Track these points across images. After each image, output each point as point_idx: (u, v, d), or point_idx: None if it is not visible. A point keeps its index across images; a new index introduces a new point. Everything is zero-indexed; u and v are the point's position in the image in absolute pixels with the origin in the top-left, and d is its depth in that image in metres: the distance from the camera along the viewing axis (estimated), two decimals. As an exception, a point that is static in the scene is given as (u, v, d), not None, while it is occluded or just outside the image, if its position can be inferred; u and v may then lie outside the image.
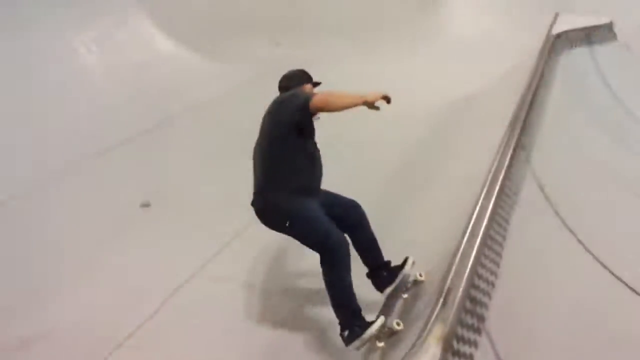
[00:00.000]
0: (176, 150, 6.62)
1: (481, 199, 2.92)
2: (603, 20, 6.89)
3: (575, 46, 6.50)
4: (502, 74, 7.29)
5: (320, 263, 3.09)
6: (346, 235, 3.17)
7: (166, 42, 9.19)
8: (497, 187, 3.07)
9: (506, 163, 3.43)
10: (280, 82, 3.80)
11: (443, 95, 8.25)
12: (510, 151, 3.61)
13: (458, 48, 10.75)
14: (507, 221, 3.11)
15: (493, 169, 3.26)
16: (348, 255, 3.06)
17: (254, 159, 3.51)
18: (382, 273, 3.25)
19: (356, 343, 2.87)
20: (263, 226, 3.38)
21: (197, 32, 10.03)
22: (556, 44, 6.08)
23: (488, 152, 3.69)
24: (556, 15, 6.93)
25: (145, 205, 5.38)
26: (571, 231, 3.61)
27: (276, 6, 11.62)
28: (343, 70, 9.98)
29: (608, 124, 6.13)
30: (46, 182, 5.58)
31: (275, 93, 3.74)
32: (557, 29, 6.39)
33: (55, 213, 5.16)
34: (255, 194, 3.38)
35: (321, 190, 3.42)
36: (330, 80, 8.80)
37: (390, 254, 3.35)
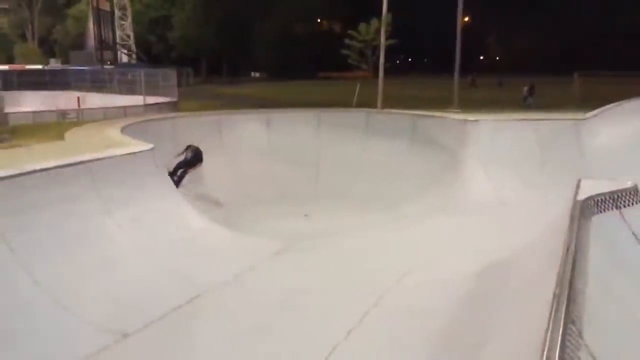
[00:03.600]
0: (207, 329, 6.49)
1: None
2: (628, 184, 6.97)
3: (604, 210, 6.51)
4: (531, 242, 7.27)
5: None
6: None
7: (198, 219, 9.52)
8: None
9: (558, 341, 3.22)
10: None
11: (474, 260, 8.24)
12: (561, 327, 3.40)
13: (482, 214, 11.00)
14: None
15: (545, 352, 3.04)
16: None
17: None
18: None
19: None
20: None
21: (227, 207, 10.47)
22: (585, 209, 6.10)
23: (536, 329, 3.49)
24: (579, 182, 7.06)
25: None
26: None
27: (304, 182, 12.27)
28: (371, 238, 10.20)
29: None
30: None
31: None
32: (582, 195, 6.45)
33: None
34: None
35: None
36: (362, 247, 8.90)
37: None
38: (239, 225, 10.26)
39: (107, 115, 17.97)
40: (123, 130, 11.68)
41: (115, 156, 8.69)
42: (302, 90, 40.82)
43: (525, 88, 27.15)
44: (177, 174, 11.54)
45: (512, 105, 21.65)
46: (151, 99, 24.01)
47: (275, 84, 54.81)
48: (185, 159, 11.90)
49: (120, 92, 28.86)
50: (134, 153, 9.14)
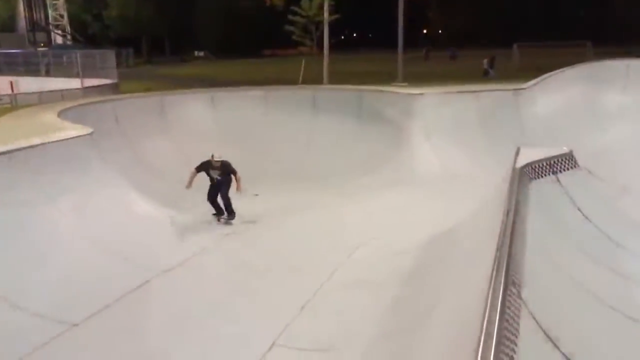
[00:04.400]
0: (158, 313, 6.42)
1: (480, 353, 2.79)
2: (563, 150, 7.28)
3: (542, 176, 6.79)
4: (475, 210, 7.52)
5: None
6: None
7: (144, 203, 9.31)
8: (495, 334, 2.97)
9: (499, 302, 3.36)
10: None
11: (422, 231, 8.47)
12: (501, 289, 3.55)
13: (430, 187, 11.28)
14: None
15: (487, 312, 3.18)
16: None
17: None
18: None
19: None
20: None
21: (174, 189, 10.29)
22: (523, 175, 6.34)
23: (479, 292, 3.63)
24: (518, 149, 7.33)
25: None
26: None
27: (252, 161, 12.17)
28: (323, 214, 10.29)
29: (585, 245, 6.25)
30: (27, 356, 5.23)
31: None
32: (521, 162, 6.70)
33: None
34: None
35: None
36: (314, 223, 8.95)
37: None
38: (188, 207, 10.10)
39: (42, 100, 17.15)
40: (60, 114, 11.22)
41: (54, 142, 8.35)
42: (247, 68, 40.23)
43: (486, 60, 27.66)
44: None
45: (463, 77, 22.01)
46: (89, 82, 23.05)
47: (219, 62, 53.73)
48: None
49: (56, 75, 27.58)
50: (73, 138, 8.80)
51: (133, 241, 8.00)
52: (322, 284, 7.12)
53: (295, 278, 7.41)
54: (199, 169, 9.76)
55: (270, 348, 5.51)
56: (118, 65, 28.23)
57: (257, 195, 11.60)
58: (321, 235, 9.12)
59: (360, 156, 13.26)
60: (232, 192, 9.84)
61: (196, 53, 69.47)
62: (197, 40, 68.87)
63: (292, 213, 10.42)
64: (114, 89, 23.23)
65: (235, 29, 65.77)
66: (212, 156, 9.70)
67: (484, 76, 26.03)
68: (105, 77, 25.26)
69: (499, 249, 4.17)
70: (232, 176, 9.76)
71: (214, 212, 9.98)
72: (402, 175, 12.24)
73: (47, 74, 29.34)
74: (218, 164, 9.67)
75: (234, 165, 9.81)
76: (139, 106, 13.92)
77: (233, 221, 9.84)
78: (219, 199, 9.84)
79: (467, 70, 27.72)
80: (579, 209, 6.75)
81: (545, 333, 3.51)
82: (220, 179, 9.76)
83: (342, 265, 7.76)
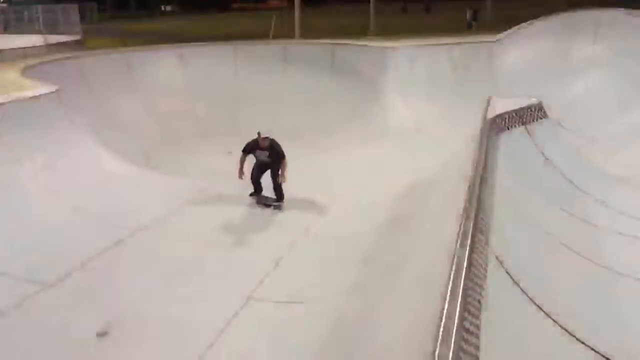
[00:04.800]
0: (133, 272, 6.41)
1: (447, 298, 2.88)
2: (533, 101, 7.36)
3: (511, 127, 6.88)
4: (447, 161, 7.62)
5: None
6: None
7: (115, 162, 9.17)
8: (462, 279, 3.06)
9: (467, 250, 3.45)
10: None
11: (396, 184, 8.56)
12: (469, 237, 3.64)
13: (403, 140, 11.33)
14: (478, 310, 3.08)
15: (455, 260, 3.26)
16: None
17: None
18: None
19: None
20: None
21: (145, 148, 10.15)
22: (493, 127, 6.42)
23: (449, 240, 3.71)
24: (489, 101, 7.38)
25: (102, 334, 5.09)
26: (542, 309, 3.61)
27: (224, 119, 12.02)
28: (297, 170, 10.27)
29: (553, 194, 6.43)
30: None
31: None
32: (492, 113, 6.76)
33: (2, 351, 4.78)
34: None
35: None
36: (288, 180, 8.96)
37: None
38: (160, 166, 9.99)
39: (4, 58, 16.49)
40: (24, 72, 10.84)
41: (18, 100, 8.09)
42: (217, 23, 39.15)
43: (469, 12, 27.47)
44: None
45: (438, 30, 21.78)
46: (52, 38, 22.17)
47: (188, 17, 52.15)
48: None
49: (17, 32, 26.45)
50: (38, 96, 8.54)
51: (105, 200, 7.91)
52: (297, 238, 7.19)
53: (271, 234, 7.47)
54: (246, 151, 8.61)
55: (246, 302, 5.59)
56: (82, 20, 27.15)
57: (230, 153, 11.50)
58: (296, 191, 9.13)
59: (333, 111, 13.19)
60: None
61: (163, 8, 67.28)
62: (164, -6, 66.61)
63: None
64: (79, 45, 22.41)
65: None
66: (259, 134, 8.42)
67: (468, 28, 25.91)
68: (69, 33, 24.27)
69: (468, 197, 4.25)
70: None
71: (253, 191, 8.81)
72: (376, 129, 12.26)
73: (7, 30, 28.11)
74: (266, 144, 8.39)
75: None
76: (105, 63, 13.50)
77: (283, 205, 8.58)
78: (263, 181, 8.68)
79: (443, 22, 27.50)
80: (547, 159, 6.90)
81: (511, 277, 3.63)
82: (269, 161, 8.59)
83: (317, 220, 7.84)
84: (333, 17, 35.71)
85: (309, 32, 22.49)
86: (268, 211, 8.35)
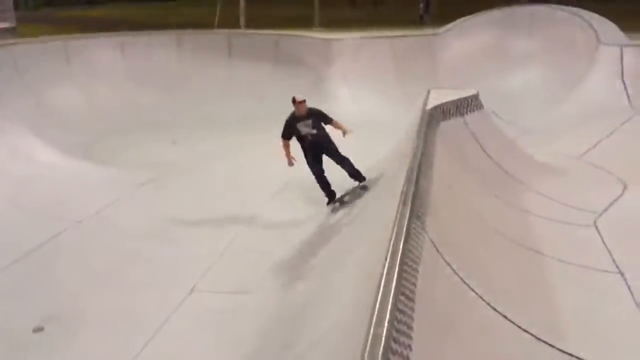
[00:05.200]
0: (71, 265, 6.25)
1: (382, 283, 2.98)
2: (470, 92, 7.62)
3: (449, 117, 7.11)
4: (389, 151, 7.79)
5: None
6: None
7: (50, 152, 8.86)
8: (398, 262, 3.17)
9: (403, 233, 3.57)
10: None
11: (340, 172, 8.67)
12: (406, 221, 3.77)
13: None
14: (413, 292, 3.20)
15: (392, 244, 3.37)
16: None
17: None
18: None
19: None
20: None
21: (84, 139, 9.85)
22: (432, 117, 6.61)
23: (388, 226, 3.82)
24: (428, 92, 7.60)
25: (39, 329, 4.97)
26: (474, 291, 3.79)
27: (168, 108, 11.79)
28: (242, 160, 10.23)
29: (487, 181, 6.71)
30: None
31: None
32: (431, 104, 6.96)
33: None
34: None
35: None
36: (233, 170, 8.88)
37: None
38: (100, 157, 9.71)
39: None
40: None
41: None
42: (160, 11, 38.19)
43: (422, 5, 27.99)
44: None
45: (385, 23, 22.03)
46: (-17, 25, 21.09)
47: (128, 4, 50.53)
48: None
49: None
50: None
51: (41, 193, 7.66)
52: (240, 230, 7.18)
53: (214, 225, 7.42)
54: (286, 135, 7.13)
55: (190, 293, 5.57)
56: (16, 7, 25.92)
57: (174, 143, 11.34)
58: (241, 182, 9.10)
59: (278, 102, 13.13)
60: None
61: (103, -6, 64.88)
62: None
63: (211, 159, 10.27)
64: (12, 33, 21.38)
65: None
66: (294, 100, 7.00)
67: (420, 20, 26.40)
68: (1, 20, 23.14)
69: (406, 183, 4.39)
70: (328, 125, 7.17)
71: (328, 200, 7.33)
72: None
73: None
74: (304, 111, 6.98)
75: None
76: (41, 52, 12.93)
77: (367, 184, 7.22)
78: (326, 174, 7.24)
79: (392, 16, 27.85)
80: (482, 148, 7.18)
81: (445, 261, 3.79)
82: (316, 133, 7.02)
83: (261, 210, 7.84)
84: (279, 9, 35.50)
85: (254, 23, 22.30)
86: (212, 203, 8.22)
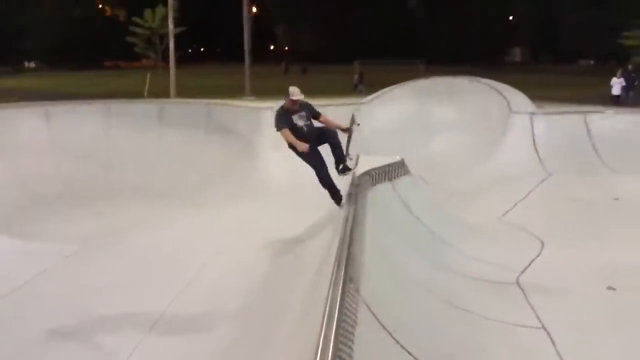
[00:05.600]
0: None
1: (322, 338, 3.01)
2: (396, 158, 8.01)
3: (378, 182, 7.41)
4: (321, 216, 7.94)
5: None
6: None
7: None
8: (334, 326, 3.21)
9: (338, 298, 3.64)
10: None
11: (272, 242, 8.69)
12: (340, 285, 3.84)
13: (278, 197, 11.60)
14: (350, 356, 3.24)
15: (328, 308, 3.42)
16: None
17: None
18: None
19: None
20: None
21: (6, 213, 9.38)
22: (361, 182, 6.87)
23: (324, 290, 3.88)
24: (357, 157, 7.91)
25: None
26: (404, 348, 3.88)
27: (95, 178, 11.49)
28: (172, 229, 10.03)
29: (417, 244, 6.96)
30: None
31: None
32: (360, 170, 7.24)
33: None
34: None
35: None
36: (162, 239, 8.69)
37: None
38: (22, 230, 9.24)
39: None
40: None
41: None
42: (87, 81, 37.70)
43: (356, 76, 30.47)
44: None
45: (317, 92, 22.73)
46: None
47: (55, 74, 49.53)
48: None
49: None
50: None
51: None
52: (170, 302, 6.94)
53: (147, 295, 7.13)
54: (280, 126, 7.13)
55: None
56: None
57: (100, 214, 11.01)
58: (172, 251, 8.88)
59: (208, 170, 13.17)
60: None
61: (27, 64, 63.56)
62: (26, 49, 62.86)
63: (139, 230, 9.99)
64: None
65: (71, 38, 61.33)
66: (288, 93, 7.05)
67: (355, 89, 28.18)
68: None
69: (339, 248, 4.50)
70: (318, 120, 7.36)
71: (336, 199, 7.31)
72: (251, 187, 12.40)
73: None
74: (296, 103, 7.07)
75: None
76: (-43, 121, 12.42)
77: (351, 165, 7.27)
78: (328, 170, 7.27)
79: (320, 85, 28.82)
80: (410, 211, 7.48)
81: (379, 321, 3.87)
82: (309, 123, 7.21)
83: (191, 281, 7.64)
84: (210, 78, 36.04)
85: (185, 92, 22.52)
86: (144, 272, 7.91)
